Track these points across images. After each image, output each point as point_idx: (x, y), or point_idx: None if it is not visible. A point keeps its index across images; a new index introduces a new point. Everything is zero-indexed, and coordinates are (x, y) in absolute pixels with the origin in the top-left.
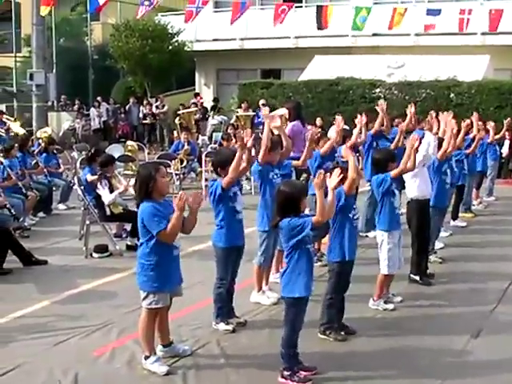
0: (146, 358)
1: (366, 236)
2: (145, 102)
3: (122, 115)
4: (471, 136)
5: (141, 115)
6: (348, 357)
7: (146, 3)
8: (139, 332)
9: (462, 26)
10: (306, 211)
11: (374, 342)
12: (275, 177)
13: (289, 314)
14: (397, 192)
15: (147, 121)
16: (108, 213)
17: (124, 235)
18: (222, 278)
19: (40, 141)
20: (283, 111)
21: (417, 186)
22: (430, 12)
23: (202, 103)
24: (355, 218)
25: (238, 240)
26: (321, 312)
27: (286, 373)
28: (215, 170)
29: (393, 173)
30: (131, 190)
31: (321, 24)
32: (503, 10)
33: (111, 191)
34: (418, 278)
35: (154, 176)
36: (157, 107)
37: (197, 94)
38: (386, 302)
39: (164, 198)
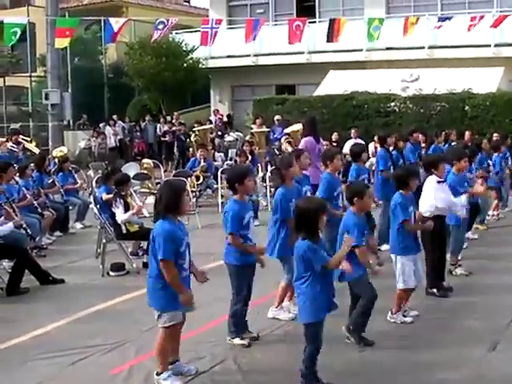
0: (158, 374)
1: (379, 249)
2: (161, 120)
3: (138, 133)
4: None
5: (159, 132)
6: (367, 371)
7: (160, 27)
8: (155, 348)
9: (470, 28)
10: None
11: (392, 355)
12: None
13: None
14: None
15: (166, 138)
16: (124, 231)
17: (140, 253)
18: (238, 295)
19: (56, 160)
20: (299, 126)
21: (429, 204)
22: (441, 19)
23: (221, 119)
24: None
25: (251, 256)
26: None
27: None
28: (231, 187)
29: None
30: (144, 211)
31: (331, 37)
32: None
33: (126, 210)
34: (435, 290)
35: (183, 193)
36: (173, 124)
37: (216, 111)
38: (403, 316)
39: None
